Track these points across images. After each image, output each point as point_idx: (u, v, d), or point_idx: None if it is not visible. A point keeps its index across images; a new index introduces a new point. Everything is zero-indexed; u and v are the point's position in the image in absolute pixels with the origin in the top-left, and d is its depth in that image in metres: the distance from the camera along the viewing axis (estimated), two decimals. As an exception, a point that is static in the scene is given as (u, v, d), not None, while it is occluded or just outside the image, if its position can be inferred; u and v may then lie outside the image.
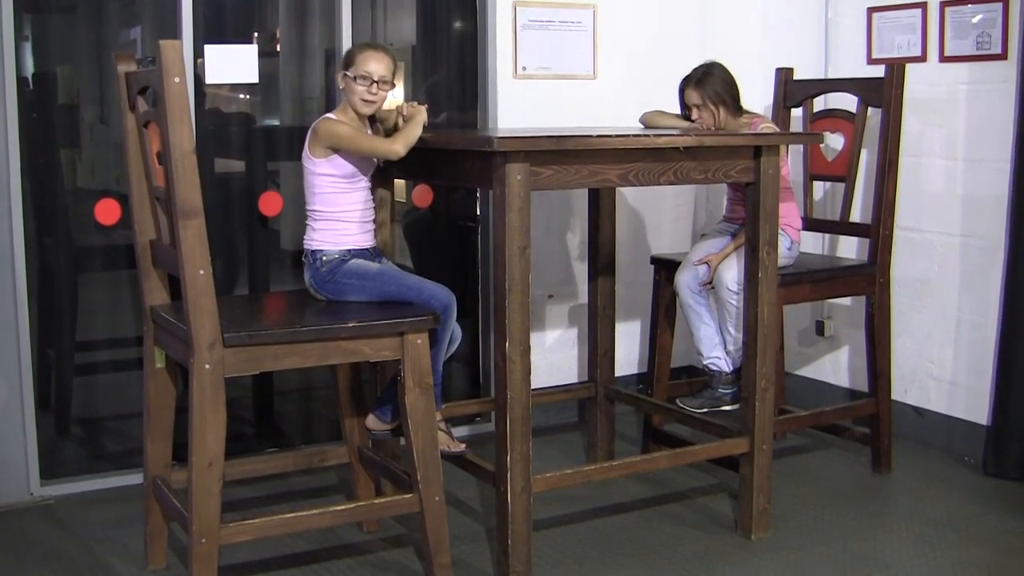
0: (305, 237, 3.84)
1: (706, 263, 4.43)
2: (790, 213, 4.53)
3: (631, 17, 5.45)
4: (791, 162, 4.86)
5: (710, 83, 4.42)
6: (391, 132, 3.86)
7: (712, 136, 4.02)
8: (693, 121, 4.49)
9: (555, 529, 4.16)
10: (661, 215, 5.68)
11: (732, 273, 4.32)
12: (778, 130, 4.60)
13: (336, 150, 3.73)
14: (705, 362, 4.52)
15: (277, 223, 4.87)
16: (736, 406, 4.38)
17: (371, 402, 3.99)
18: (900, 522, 4.24)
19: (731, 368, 4.46)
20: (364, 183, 3.83)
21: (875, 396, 4.71)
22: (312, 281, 3.77)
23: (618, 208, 4.78)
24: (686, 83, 4.50)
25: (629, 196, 5.49)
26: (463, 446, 3.90)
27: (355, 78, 3.76)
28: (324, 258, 3.75)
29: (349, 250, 3.77)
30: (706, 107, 4.43)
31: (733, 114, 4.46)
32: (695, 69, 4.50)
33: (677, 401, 4.53)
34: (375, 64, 3.76)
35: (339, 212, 3.78)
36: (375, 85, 3.76)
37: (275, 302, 3.74)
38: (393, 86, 3.84)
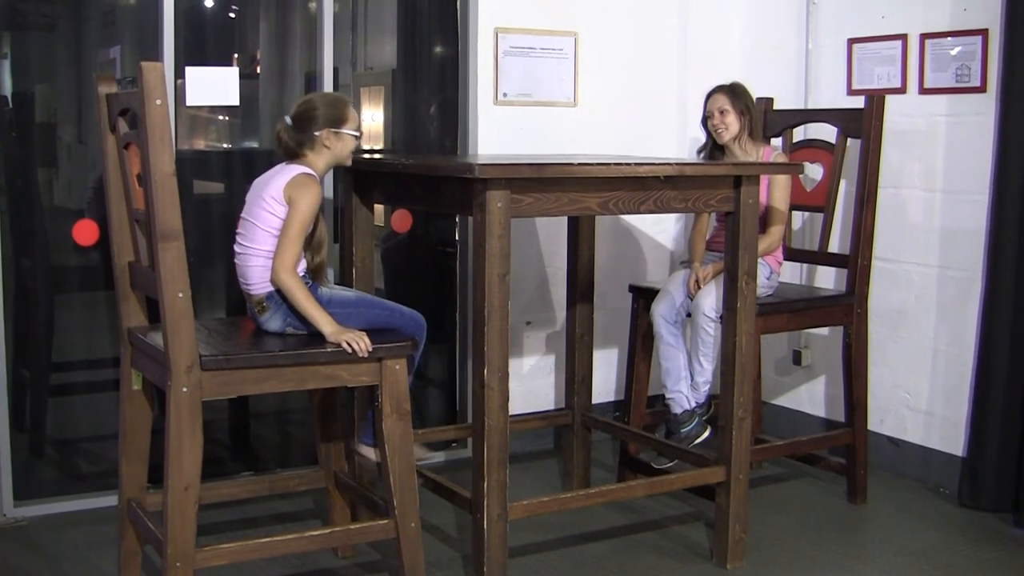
0: (252, 284, 3.60)
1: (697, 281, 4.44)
2: None
3: (612, 45, 5.47)
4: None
5: (743, 95, 4.61)
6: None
7: (692, 165, 4.04)
8: (711, 130, 4.62)
9: (531, 556, 4.15)
10: (640, 242, 5.68)
11: (710, 300, 4.32)
12: (788, 161, 4.65)
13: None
14: (668, 396, 4.50)
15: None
16: (707, 433, 4.38)
17: (359, 427, 3.95)
18: (875, 552, 4.24)
19: (692, 404, 4.44)
20: None
21: (851, 426, 4.73)
22: (289, 321, 3.58)
23: (597, 235, 4.79)
24: (717, 89, 4.64)
25: (609, 223, 5.49)
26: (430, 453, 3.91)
27: (351, 133, 3.69)
28: None
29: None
30: (732, 113, 4.57)
31: (751, 134, 4.61)
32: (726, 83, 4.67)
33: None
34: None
35: None
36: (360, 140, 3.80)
37: (253, 326, 3.72)
38: None
